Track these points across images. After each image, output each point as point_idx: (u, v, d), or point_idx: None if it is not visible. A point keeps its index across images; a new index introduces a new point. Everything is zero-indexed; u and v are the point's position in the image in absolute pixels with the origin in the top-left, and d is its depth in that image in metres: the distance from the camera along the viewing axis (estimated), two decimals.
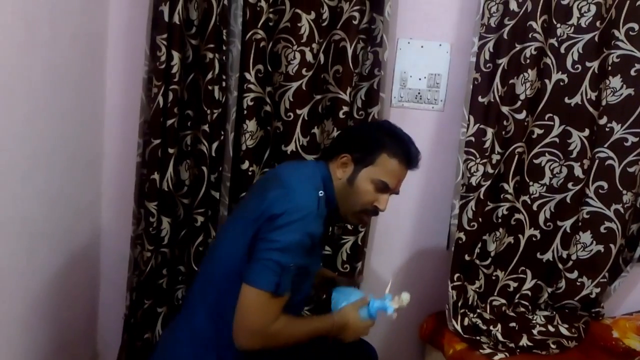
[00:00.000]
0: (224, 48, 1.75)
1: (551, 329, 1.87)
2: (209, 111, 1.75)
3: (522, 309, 1.92)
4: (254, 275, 1.23)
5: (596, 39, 1.78)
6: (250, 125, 1.79)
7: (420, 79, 1.87)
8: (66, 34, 1.57)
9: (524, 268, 1.92)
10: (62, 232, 1.66)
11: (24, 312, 1.48)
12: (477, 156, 1.79)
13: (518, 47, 1.77)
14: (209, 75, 1.74)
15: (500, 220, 1.85)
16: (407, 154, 1.38)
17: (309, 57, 1.76)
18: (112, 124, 1.88)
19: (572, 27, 1.79)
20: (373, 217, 1.62)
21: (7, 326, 1.40)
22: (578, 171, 1.84)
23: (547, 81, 1.81)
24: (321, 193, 1.33)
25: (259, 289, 1.22)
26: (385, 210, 1.39)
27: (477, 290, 1.88)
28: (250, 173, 1.82)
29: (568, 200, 1.86)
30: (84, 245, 1.85)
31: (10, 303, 1.41)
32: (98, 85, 1.84)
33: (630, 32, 1.79)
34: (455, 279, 1.82)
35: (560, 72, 1.81)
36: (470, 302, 1.87)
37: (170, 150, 1.75)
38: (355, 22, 1.75)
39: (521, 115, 1.79)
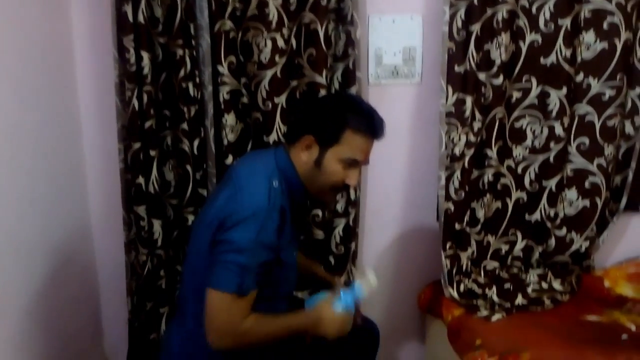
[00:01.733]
0: (193, 43, 1.72)
1: (545, 285, 1.92)
2: (185, 109, 1.73)
3: (515, 270, 1.97)
4: (215, 278, 1.24)
5: None
6: (229, 119, 1.77)
7: (395, 54, 1.85)
8: (31, 48, 1.53)
9: (513, 230, 1.95)
10: (55, 247, 1.66)
11: (29, 329, 1.50)
12: (459, 126, 1.79)
13: (489, 11, 1.75)
14: (182, 72, 1.72)
15: (486, 186, 1.87)
16: (372, 126, 1.35)
17: (280, 43, 1.73)
18: (90, 133, 1.87)
19: None
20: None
21: (12, 345, 1.41)
22: (559, 130, 1.85)
23: (521, 43, 1.80)
24: (275, 183, 1.32)
25: (222, 292, 1.23)
26: (356, 184, 1.43)
27: (470, 256, 1.92)
28: None
29: (551, 159, 1.88)
30: (79, 257, 1.86)
31: (13, 321, 1.42)
32: (70, 96, 1.81)
33: None
34: (447, 248, 1.85)
35: (533, 33, 1.79)
36: (464, 269, 1.91)
37: (152, 153, 1.74)
38: (324, 3, 1.72)
39: (498, 80, 1.79)
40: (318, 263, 1.72)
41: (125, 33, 1.66)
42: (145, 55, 1.68)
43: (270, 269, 1.32)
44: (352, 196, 1.85)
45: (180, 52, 1.71)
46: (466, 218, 1.87)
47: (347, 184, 1.37)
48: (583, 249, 1.94)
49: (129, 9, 1.65)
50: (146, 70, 1.69)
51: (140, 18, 1.66)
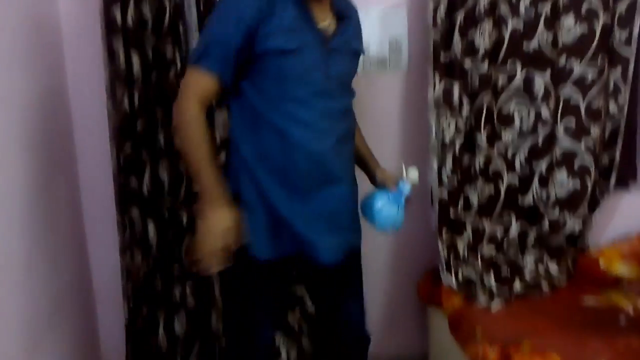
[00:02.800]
0: (183, 43, 1.74)
1: (541, 269, 1.93)
2: None
3: (512, 254, 1.97)
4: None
5: None
6: (220, 115, 1.78)
7: (381, 44, 1.89)
8: (19, 53, 1.53)
9: (507, 214, 1.96)
10: (48, 256, 1.63)
11: (25, 337, 1.46)
12: (447, 113, 1.83)
13: (471, 1, 1.80)
14: (172, 72, 1.73)
15: (478, 171, 1.89)
16: None
17: None
18: (82, 135, 1.86)
19: None
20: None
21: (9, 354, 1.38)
22: (545, 113, 1.89)
23: (504, 29, 1.84)
24: None
25: (189, 65, 1.28)
26: None
27: (466, 242, 1.92)
28: None
29: (540, 142, 1.91)
30: (73, 263, 1.83)
31: (10, 329, 1.39)
32: (61, 100, 1.81)
33: None
34: (443, 234, 1.87)
35: (515, 18, 1.84)
36: (461, 255, 1.91)
37: (145, 154, 1.75)
38: None
39: (484, 67, 1.83)
40: (373, 159, 1.57)
41: (114, 35, 1.68)
42: (135, 56, 1.70)
43: (267, 60, 1.26)
44: None
45: (170, 52, 1.74)
46: (460, 204, 1.89)
47: None
48: (577, 229, 1.96)
49: (117, 11, 1.68)
50: (136, 71, 1.71)
51: (129, 20, 1.69)
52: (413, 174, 1.43)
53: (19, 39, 1.53)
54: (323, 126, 1.32)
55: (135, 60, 1.71)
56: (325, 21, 1.34)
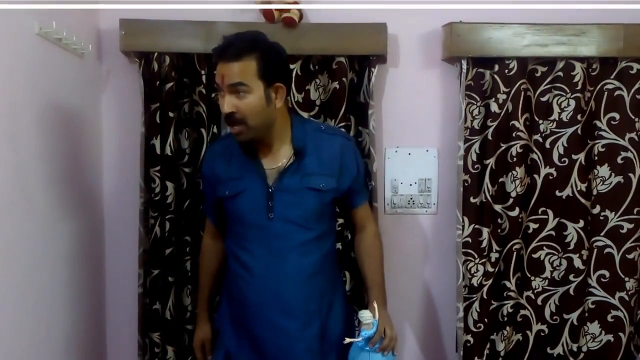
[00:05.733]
0: None
1: None
2: None
3: None
4: None
5: (579, 131, 1.81)
6: None
7: (411, 185, 1.90)
8: (62, 177, 1.59)
9: None
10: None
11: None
12: (476, 256, 1.80)
13: (504, 146, 1.81)
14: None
15: (506, 318, 1.83)
16: (215, 48, 1.36)
17: None
18: (113, 253, 1.90)
19: (555, 122, 1.82)
20: None
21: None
22: (578, 262, 1.84)
23: (536, 176, 1.83)
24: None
25: None
26: (226, 109, 1.32)
27: None
28: None
29: (571, 292, 1.84)
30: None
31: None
32: (96, 221, 1.87)
33: (612, 122, 1.82)
34: None
35: (548, 167, 1.83)
36: None
37: (170, 279, 1.78)
38: None
39: (514, 212, 1.81)
40: (372, 292, 1.52)
41: (152, 164, 1.75)
42: (170, 185, 1.76)
43: (224, 204, 1.50)
44: None
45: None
46: (486, 351, 1.83)
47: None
48: None
49: (157, 140, 1.75)
50: (170, 199, 1.76)
51: (168, 150, 1.76)
52: (363, 317, 1.42)
53: (63, 160, 1.59)
54: (260, 266, 1.44)
55: (170, 189, 1.76)
56: (278, 162, 1.44)
